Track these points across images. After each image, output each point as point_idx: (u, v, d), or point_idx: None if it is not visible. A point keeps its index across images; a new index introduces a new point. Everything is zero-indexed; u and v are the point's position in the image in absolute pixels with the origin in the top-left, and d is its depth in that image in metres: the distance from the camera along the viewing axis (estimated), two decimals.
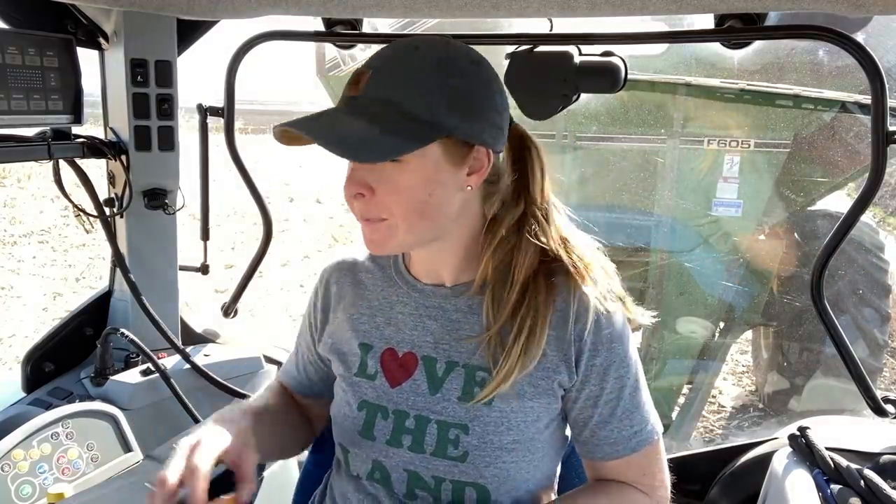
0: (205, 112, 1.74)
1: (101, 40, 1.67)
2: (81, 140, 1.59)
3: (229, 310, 1.99)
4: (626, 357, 0.92)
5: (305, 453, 1.37)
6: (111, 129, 1.75)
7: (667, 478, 0.97)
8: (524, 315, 0.89)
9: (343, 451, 1.01)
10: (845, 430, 1.43)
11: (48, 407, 1.58)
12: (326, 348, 1.06)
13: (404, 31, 4.14)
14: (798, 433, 1.40)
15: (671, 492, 0.98)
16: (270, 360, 2.03)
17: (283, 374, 1.19)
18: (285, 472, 1.57)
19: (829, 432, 1.40)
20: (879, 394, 1.45)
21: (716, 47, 1.50)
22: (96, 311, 1.88)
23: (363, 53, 5.16)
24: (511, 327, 0.90)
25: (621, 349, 0.92)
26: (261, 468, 1.35)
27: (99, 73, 1.74)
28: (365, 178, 0.86)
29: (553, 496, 1.02)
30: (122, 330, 1.70)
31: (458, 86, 0.84)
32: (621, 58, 1.41)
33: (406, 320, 0.98)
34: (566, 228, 0.97)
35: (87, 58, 1.62)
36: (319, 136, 0.81)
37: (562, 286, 0.92)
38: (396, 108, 0.82)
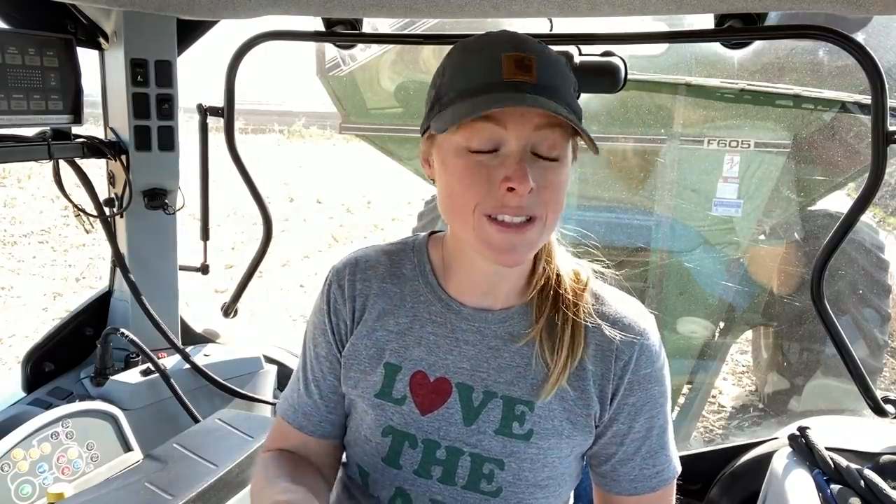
0: (205, 112, 1.74)
1: (101, 40, 1.67)
2: (81, 140, 1.59)
3: (229, 310, 1.99)
4: (660, 397, 0.90)
5: None
6: (111, 129, 1.74)
7: None
8: (565, 327, 0.88)
9: (362, 473, 0.94)
10: (845, 430, 1.43)
11: (48, 407, 1.58)
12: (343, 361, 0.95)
13: (404, 31, 4.14)
14: (798, 433, 1.40)
15: None
16: (270, 360, 2.03)
17: (302, 419, 0.98)
18: None
19: (829, 432, 1.40)
20: (879, 394, 1.45)
21: (716, 47, 1.50)
22: (96, 311, 1.87)
23: (363, 53, 5.16)
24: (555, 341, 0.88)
25: (657, 390, 0.90)
26: None
27: (99, 73, 1.74)
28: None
29: None
30: (122, 330, 1.70)
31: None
32: (621, 58, 1.41)
33: (440, 342, 0.90)
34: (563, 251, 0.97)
35: (87, 58, 1.62)
36: (560, 112, 0.74)
37: (603, 315, 0.90)
38: (564, 99, 0.79)
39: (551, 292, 0.90)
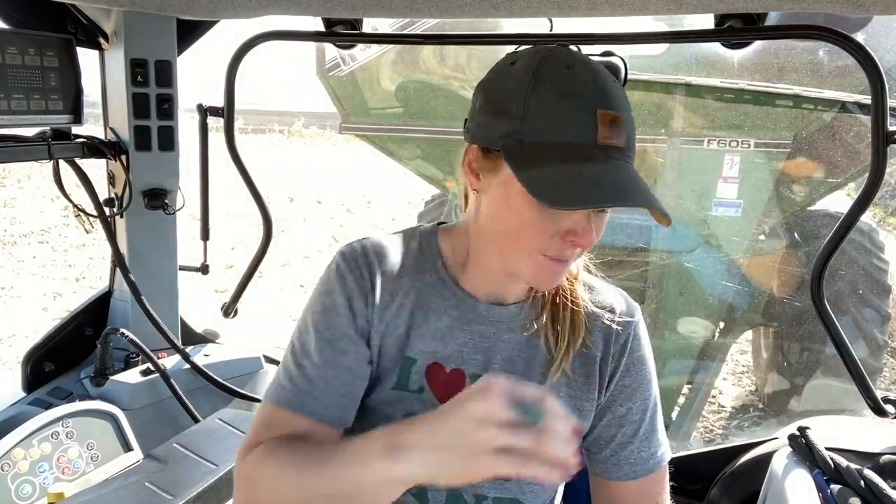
0: (205, 112, 1.74)
1: (101, 40, 1.67)
2: (81, 140, 1.59)
3: (229, 310, 1.99)
4: (651, 379, 0.96)
5: None
6: (111, 129, 1.75)
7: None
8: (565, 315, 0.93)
9: None
10: (845, 430, 1.43)
11: (48, 407, 1.58)
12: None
13: (404, 31, 4.14)
14: (798, 433, 1.40)
15: (671, 493, 0.99)
16: (270, 360, 2.03)
17: (312, 403, 0.86)
18: None
19: (829, 432, 1.40)
20: (879, 394, 1.45)
21: (716, 47, 1.50)
22: (96, 311, 1.88)
23: (363, 53, 5.16)
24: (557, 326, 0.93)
25: (648, 372, 0.96)
26: None
27: (99, 73, 1.74)
28: None
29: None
30: (122, 330, 1.70)
31: None
32: (621, 58, 1.40)
33: (455, 334, 0.91)
34: None
35: (87, 58, 1.62)
36: (655, 207, 0.75)
37: (599, 304, 0.95)
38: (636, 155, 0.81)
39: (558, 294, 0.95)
